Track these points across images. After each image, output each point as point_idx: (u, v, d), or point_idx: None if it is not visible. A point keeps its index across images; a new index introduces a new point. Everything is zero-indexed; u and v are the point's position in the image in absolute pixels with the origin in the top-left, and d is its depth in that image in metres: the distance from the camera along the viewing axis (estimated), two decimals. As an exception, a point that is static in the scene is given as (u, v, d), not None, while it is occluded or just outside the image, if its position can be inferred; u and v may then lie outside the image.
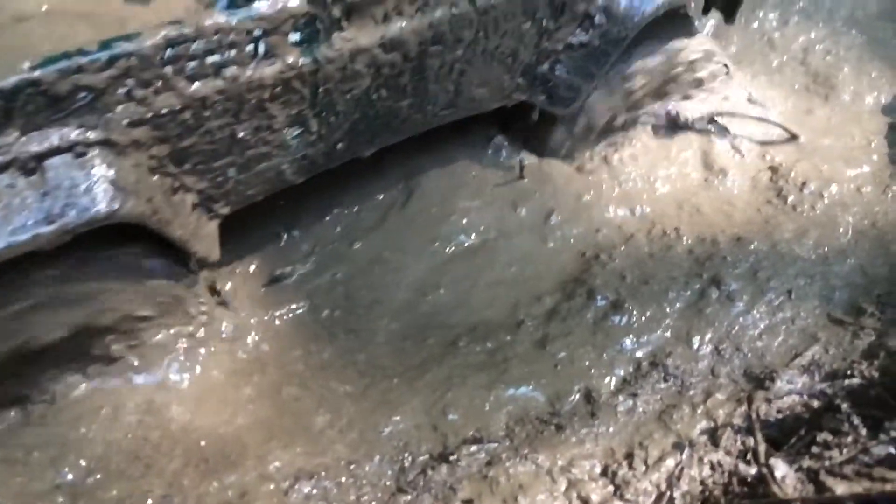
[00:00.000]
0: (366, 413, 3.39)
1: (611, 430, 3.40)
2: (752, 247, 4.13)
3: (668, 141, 4.56)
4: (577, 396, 3.53)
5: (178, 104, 2.88)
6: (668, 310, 3.84)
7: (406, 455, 3.29)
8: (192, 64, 2.85)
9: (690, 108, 4.64)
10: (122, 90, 2.75)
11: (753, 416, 3.26)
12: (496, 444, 3.31)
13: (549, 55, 4.02)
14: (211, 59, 2.90)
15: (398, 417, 3.38)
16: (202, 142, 3.06)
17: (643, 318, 3.80)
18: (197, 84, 2.90)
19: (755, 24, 5.52)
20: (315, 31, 3.12)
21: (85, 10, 3.07)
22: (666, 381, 3.58)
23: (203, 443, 3.17)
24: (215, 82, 2.94)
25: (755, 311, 3.84)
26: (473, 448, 3.30)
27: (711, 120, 4.59)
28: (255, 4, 2.93)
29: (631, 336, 3.74)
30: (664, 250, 4.14)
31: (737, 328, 3.77)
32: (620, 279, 3.98)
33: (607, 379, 3.60)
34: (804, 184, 4.46)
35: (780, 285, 3.94)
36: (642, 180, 4.49)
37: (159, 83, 2.81)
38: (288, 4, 2.98)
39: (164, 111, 2.86)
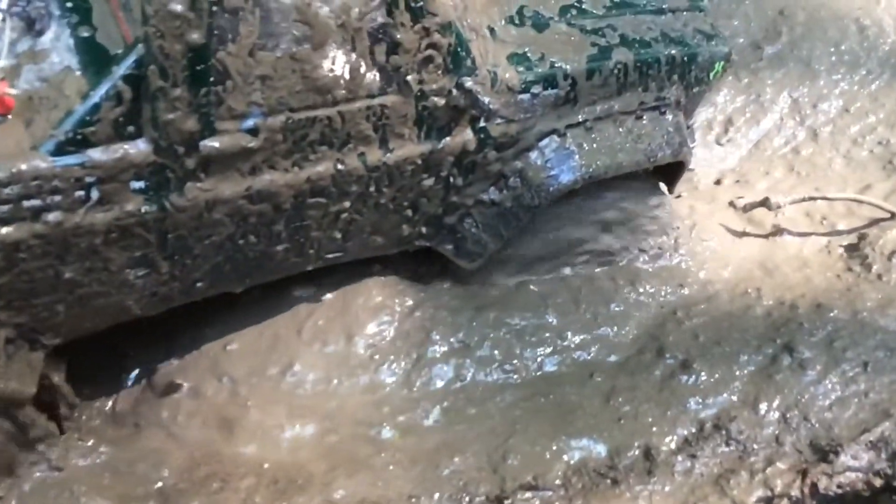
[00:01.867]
0: (429, 453, 3.57)
1: (666, 489, 3.47)
2: (832, 314, 4.08)
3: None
4: (637, 452, 3.61)
5: None
6: (737, 373, 3.86)
7: (464, 495, 3.46)
8: (4, 208, 2.68)
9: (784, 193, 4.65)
10: None
11: (806, 490, 3.26)
12: (551, 493, 3.44)
13: (459, 208, 3.72)
14: (28, 203, 2.71)
15: (458, 459, 3.54)
16: (18, 280, 2.85)
17: (711, 380, 3.84)
18: (8, 228, 2.71)
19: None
20: (164, 180, 2.91)
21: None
22: (728, 445, 3.62)
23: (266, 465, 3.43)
24: (32, 226, 2.76)
25: (827, 381, 3.81)
26: (528, 494, 3.44)
27: (806, 199, 4.59)
28: (89, 151, 2.73)
29: (697, 397, 3.79)
30: (743, 310, 4.15)
31: (806, 397, 3.76)
32: (693, 338, 4.03)
33: (669, 437, 3.66)
34: (893, 253, 4.37)
35: (856, 356, 3.89)
36: (728, 242, 4.49)
37: None
38: (129, 153, 2.79)
39: None
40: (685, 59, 3.86)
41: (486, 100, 3.30)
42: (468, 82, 3.26)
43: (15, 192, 2.65)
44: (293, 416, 3.58)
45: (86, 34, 2.87)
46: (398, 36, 3.06)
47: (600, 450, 3.64)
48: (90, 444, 3.45)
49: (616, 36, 3.73)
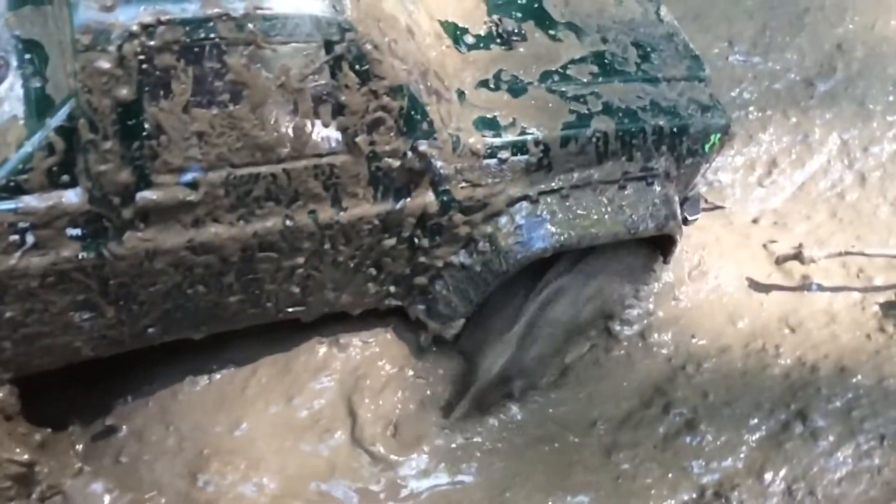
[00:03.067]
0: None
1: (658, 557, 3.40)
2: (855, 380, 3.92)
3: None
4: (632, 516, 3.55)
5: None
6: (745, 437, 3.78)
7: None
8: None
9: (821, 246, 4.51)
10: None
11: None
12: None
13: (429, 269, 3.61)
14: None
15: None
16: None
17: (717, 443, 3.76)
18: None
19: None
20: (101, 228, 2.92)
21: None
22: (727, 514, 3.52)
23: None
24: None
25: (839, 454, 3.70)
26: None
27: (843, 254, 4.41)
28: (23, 197, 2.78)
29: (700, 459, 3.72)
30: (758, 369, 4.03)
31: (815, 469, 3.66)
32: (702, 396, 3.94)
33: (666, 502, 3.58)
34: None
35: (874, 428, 3.76)
36: (746, 290, 4.36)
37: None
38: (62, 201, 2.82)
39: None
40: (675, 130, 3.71)
41: (440, 164, 3.23)
42: (423, 146, 3.20)
43: None
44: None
45: (36, 85, 2.85)
46: (343, 98, 3.02)
47: (595, 510, 3.58)
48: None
49: (599, 103, 3.61)
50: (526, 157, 3.46)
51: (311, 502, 3.50)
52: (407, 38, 3.23)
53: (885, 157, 5.10)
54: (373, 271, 3.53)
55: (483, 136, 3.38)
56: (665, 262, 4.14)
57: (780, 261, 4.51)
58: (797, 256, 4.43)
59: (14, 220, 2.78)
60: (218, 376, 3.71)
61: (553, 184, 3.57)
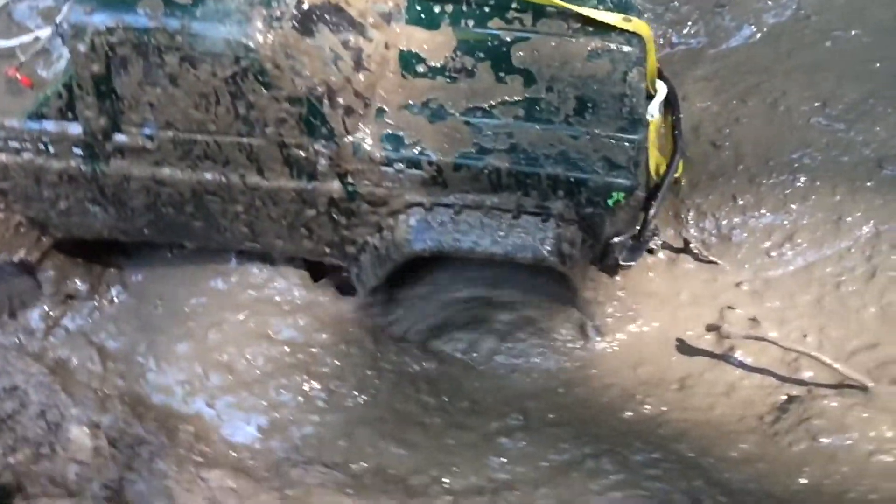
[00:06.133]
0: None
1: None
2: (679, 445, 4.21)
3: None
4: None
5: None
6: (548, 458, 4.34)
7: None
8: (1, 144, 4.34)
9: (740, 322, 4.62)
10: None
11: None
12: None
13: (355, 242, 4.47)
14: (12, 143, 4.32)
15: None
16: (17, 188, 4.53)
17: (520, 453, 4.39)
18: (5, 156, 4.38)
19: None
20: (94, 153, 4.26)
21: None
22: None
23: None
24: (16, 159, 4.36)
25: (609, 493, 4.11)
26: None
27: (759, 339, 4.50)
28: (44, 122, 4.27)
29: (503, 458, 4.40)
30: (613, 408, 4.49)
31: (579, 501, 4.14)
32: (546, 412, 4.53)
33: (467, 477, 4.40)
34: (805, 420, 4.21)
35: (651, 486, 4.08)
36: (666, 344, 4.74)
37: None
38: (67, 129, 4.23)
39: None
40: (572, 180, 4.15)
41: (323, 162, 4.18)
42: (317, 145, 4.17)
43: (2, 135, 4.35)
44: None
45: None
46: (251, 98, 3.97)
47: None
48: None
49: (506, 143, 4.18)
50: (420, 172, 4.24)
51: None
52: (323, 64, 4.20)
53: (908, 261, 4.81)
54: (305, 232, 4.48)
55: (384, 147, 4.25)
56: (573, 298, 4.63)
57: (708, 327, 4.72)
58: (716, 328, 4.62)
59: (38, 135, 4.31)
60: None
61: (447, 199, 4.30)
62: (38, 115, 4.39)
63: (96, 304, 5.15)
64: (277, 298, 5.10)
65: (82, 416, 4.67)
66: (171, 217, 4.56)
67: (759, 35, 6.05)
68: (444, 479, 4.36)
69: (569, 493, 4.12)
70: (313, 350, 4.94)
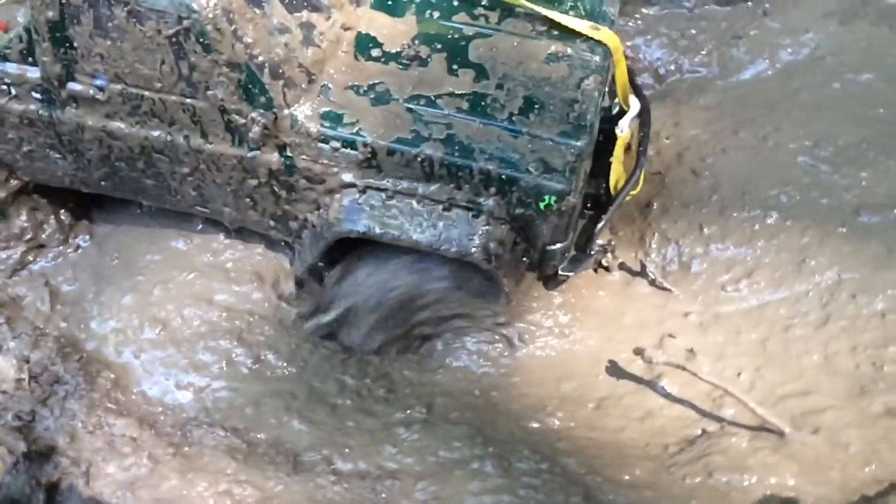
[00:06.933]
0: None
1: None
2: (565, 461, 4.08)
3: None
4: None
5: None
6: (437, 454, 4.27)
7: None
8: None
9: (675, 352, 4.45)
10: None
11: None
12: None
13: (297, 218, 4.49)
14: None
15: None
16: None
17: (416, 444, 4.34)
18: None
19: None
20: (51, 99, 4.37)
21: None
22: None
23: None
24: None
25: (485, 495, 4.01)
26: None
27: (679, 368, 4.31)
28: (6, 65, 4.43)
29: (391, 446, 4.35)
30: (523, 415, 4.39)
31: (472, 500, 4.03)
32: (458, 411, 4.46)
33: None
34: (700, 459, 4.01)
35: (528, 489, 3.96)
36: (595, 362, 4.62)
37: None
38: (26, 73, 4.36)
39: None
40: (503, 178, 4.08)
41: (257, 130, 4.17)
42: (254, 114, 4.19)
43: None
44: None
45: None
46: (193, 59, 4.03)
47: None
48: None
49: (443, 133, 4.16)
50: (356, 152, 4.26)
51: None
52: (268, 34, 4.27)
53: (864, 311, 4.53)
54: (249, 202, 4.55)
55: (322, 124, 4.28)
56: (505, 300, 4.50)
57: (634, 350, 4.56)
58: (641, 352, 4.46)
59: (3, 76, 4.45)
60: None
61: (381, 183, 4.28)
62: (2, 57, 4.63)
63: (61, 249, 5.29)
64: (229, 265, 5.15)
65: (16, 349, 4.80)
66: (124, 172, 4.72)
67: (770, 71, 5.86)
68: (334, 460, 4.31)
69: (446, 490, 4.03)
70: (250, 319, 4.97)
